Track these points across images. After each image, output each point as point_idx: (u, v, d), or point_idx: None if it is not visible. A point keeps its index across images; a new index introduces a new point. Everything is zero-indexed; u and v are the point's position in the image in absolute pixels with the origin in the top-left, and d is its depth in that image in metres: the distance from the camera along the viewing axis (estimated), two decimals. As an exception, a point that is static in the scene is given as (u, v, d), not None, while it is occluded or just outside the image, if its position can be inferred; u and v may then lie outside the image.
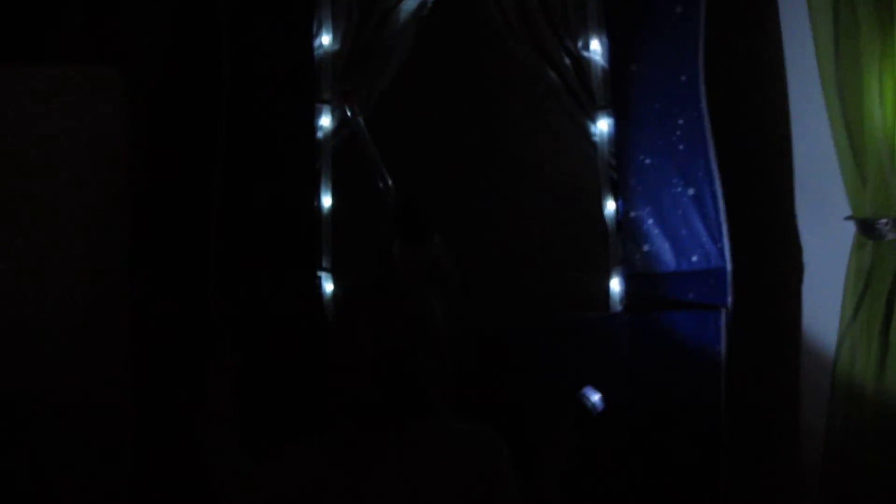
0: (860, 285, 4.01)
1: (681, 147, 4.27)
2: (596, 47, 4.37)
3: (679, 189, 4.26)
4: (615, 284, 4.30)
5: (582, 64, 4.39)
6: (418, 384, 3.22)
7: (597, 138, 4.37)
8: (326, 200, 4.34)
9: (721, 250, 4.22)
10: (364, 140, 3.84)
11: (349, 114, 3.88)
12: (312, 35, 4.35)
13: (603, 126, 4.35)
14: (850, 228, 4.03)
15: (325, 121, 4.35)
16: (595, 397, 3.55)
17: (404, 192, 3.81)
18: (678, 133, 4.27)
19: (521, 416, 4.01)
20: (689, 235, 4.24)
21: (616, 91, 4.34)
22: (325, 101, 4.35)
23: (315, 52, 4.35)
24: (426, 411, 3.23)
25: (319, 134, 4.34)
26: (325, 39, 4.36)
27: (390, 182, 3.81)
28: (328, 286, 4.31)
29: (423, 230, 3.77)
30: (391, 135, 4.28)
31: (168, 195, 4.50)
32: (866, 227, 3.98)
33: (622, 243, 4.29)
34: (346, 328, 3.24)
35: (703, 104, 4.26)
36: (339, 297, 3.41)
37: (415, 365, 3.21)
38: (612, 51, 4.34)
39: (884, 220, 3.93)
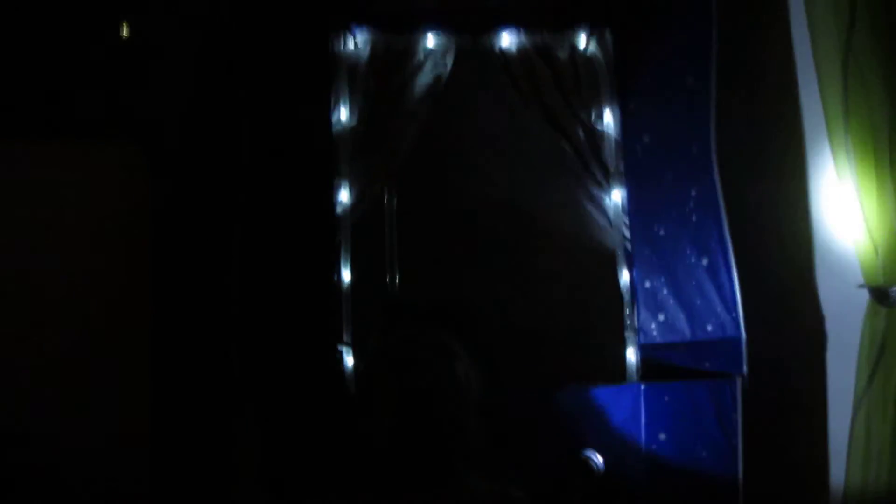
0: (874, 352, 4.04)
1: (694, 218, 4.31)
2: (608, 119, 4.44)
3: (693, 259, 4.29)
4: (631, 354, 4.33)
5: (595, 135, 4.45)
6: (446, 446, 3.27)
7: (610, 209, 4.41)
8: (346, 275, 4.37)
9: (735, 319, 4.25)
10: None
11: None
12: (330, 110, 4.38)
13: (616, 197, 4.41)
14: (864, 296, 4.07)
15: (344, 196, 4.38)
16: (598, 459, 3.61)
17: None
18: (691, 204, 4.32)
19: (535, 478, 4.05)
20: (704, 305, 4.27)
21: (628, 162, 4.39)
22: (344, 177, 4.38)
23: (333, 128, 4.38)
24: (451, 475, 3.28)
25: (338, 209, 4.37)
26: (343, 114, 4.40)
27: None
28: (349, 360, 4.34)
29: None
30: (408, 206, 4.35)
31: (189, 267, 4.55)
32: (879, 295, 4.01)
33: (638, 313, 4.32)
34: (373, 387, 3.29)
35: (715, 174, 4.30)
36: (368, 356, 3.45)
37: (442, 427, 3.26)
38: (623, 122, 4.41)
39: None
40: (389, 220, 4.35)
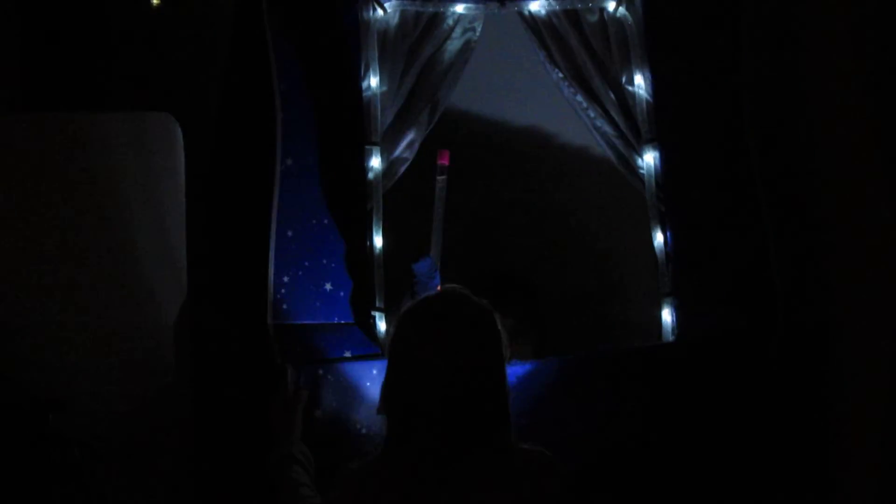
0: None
1: (726, 177, 4.30)
2: (640, 81, 4.42)
3: (727, 219, 4.28)
4: (666, 315, 4.30)
5: (626, 98, 4.44)
6: (485, 411, 3.28)
7: (643, 171, 4.40)
8: (378, 241, 4.38)
9: (770, 278, 4.22)
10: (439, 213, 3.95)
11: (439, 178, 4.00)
12: (360, 77, 4.39)
13: (649, 159, 4.39)
14: None
15: (375, 162, 4.39)
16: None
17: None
18: (723, 164, 4.31)
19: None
20: (739, 265, 4.25)
21: (661, 124, 4.37)
22: (375, 143, 4.39)
23: (364, 94, 4.40)
24: (490, 440, 3.29)
25: (370, 175, 4.38)
26: (373, 81, 4.41)
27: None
28: (381, 325, 4.34)
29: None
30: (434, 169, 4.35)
31: (224, 237, 4.58)
32: None
33: (671, 274, 4.29)
34: (412, 347, 3.30)
35: (748, 133, 4.29)
36: (405, 313, 3.46)
37: (482, 391, 3.28)
38: (655, 84, 4.38)
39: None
40: (439, 194, 4.33)
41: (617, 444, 4.13)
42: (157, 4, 4.60)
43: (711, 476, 4.12)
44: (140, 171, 4.42)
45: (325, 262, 4.29)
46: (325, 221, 4.31)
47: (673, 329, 4.27)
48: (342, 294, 4.27)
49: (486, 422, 3.32)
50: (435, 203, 4.28)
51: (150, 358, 4.40)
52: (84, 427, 4.14)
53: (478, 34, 4.47)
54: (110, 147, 4.42)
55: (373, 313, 4.33)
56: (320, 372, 4.16)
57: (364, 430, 4.13)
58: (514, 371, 4.05)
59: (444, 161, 4.32)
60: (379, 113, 4.42)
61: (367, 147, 4.38)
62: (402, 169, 4.45)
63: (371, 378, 4.15)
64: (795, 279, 4.30)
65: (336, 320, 4.27)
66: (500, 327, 3.42)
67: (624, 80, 4.45)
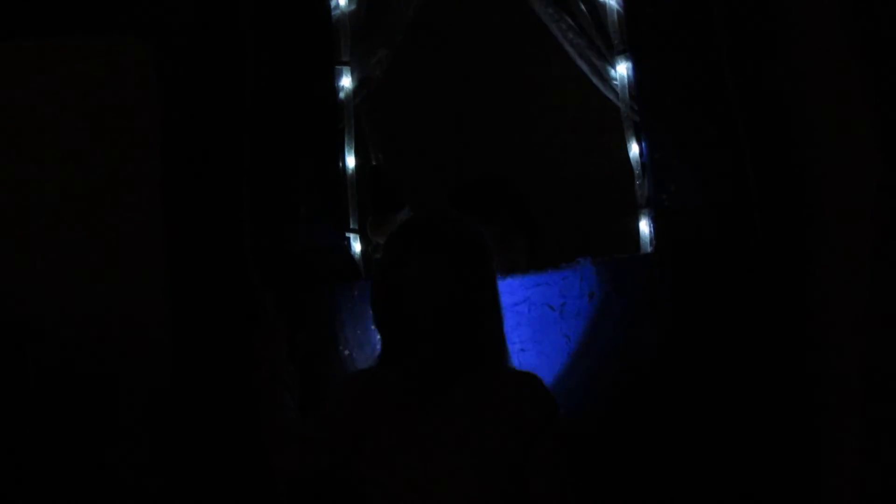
0: None
1: (700, 86, 4.25)
2: (610, -8, 4.37)
3: (702, 127, 4.23)
4: (644, 226, 4.28)
5: (598, 8, 4.38)
6: (478, 325, 3.29)
7: (617, 82, 4.35)
8: (350, 161, 4.35)
9: (747, 185, 4.19)
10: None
11: None
12: (328, -5, 4.34)
13: (622, 70, 4.34)
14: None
15: (346, 81, 4.35)
16: None
17: (373, 165, 3.89)
18: (697, 72, 4.25)
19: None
20: (715, 173, 4.21)
21: (633, 35, 4.32)
22: (345, 63, 4.35)
23: (332, 13, 4.34)
24: (485, 358, 3.31)
25: (341, 94, 4.34)
26: (342, 0, 4.36)
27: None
28: (357, 246, 4.32)
29: (390, 204, 3.88)
30: (411, 85, 4.31)
31: (198, 163, 4.54)
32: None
33: (648, 184, 4.27)
34: (401, 264, 3.30)
35: (721, 41, 4.25)
36: (395, 232, 3.46)
37: (474, 306, 3.28)
38: (626, -6, 4.33)
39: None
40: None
41: (597, 360, 4.12)
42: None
43: (691, 394, 4.11)
44: (106, 99, 4.38)
45: (300, 184, 4.26)
46: (298, 143, 4.28)
47: (651, 240, 4.25)
48: (317, 216, 4.25)
49: (480, 337, 3.33)
50: None
51: (126, 288, 4.39)
52: (61, 357, 4.14)
53: (447, -51, 4.43)
54: (71, 75, 4.36)
55: (347, 235, 4.30)
56: (301, 296, 4.14)
57: (347, 352, 4.12)
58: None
59: None
60: (349, 32, 4.37)
61: (337, 67, 4.34)
62: (373, 87, 4.41)
63: (352, 300, 4.13)
64: (773, 189, 4.27)
65: (313, 243, 4.24)
66: (488, 242, 3.41)
67: (594, -9, 4.40)
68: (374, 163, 4.30)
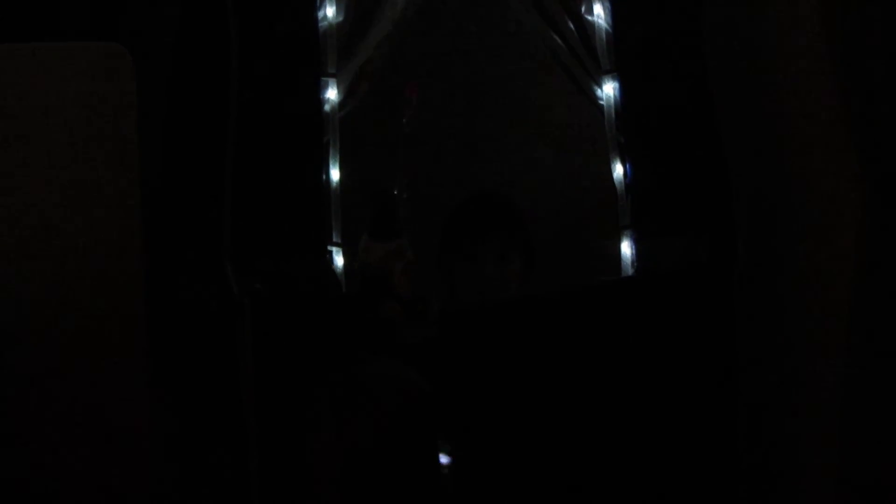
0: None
1: (687, 109, 4.25)
2: (599, 10, 4.37)
3: (686, 150, 4.24)
4: (626, 248, 4.29)
5: (586, 27, 4.39)
6: None
7: (603, 102, 4.37)
8: (335, 174, 4.33)
9: (730, 210, 4.20)
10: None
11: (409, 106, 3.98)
12: (316, 6, 4.32)
13: (609, 90, 4.35)
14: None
15: (332, 93, 4.34)
16: None
17: (382, 187, 3.89)
18: (684, 94, 4.25)
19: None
20: (699, 195, 4.22)
21: (620, 55, 4.33)
22: (331, 75, 4.33)
23: (319, 25, 4.32)
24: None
25: (326, 107, 4.32)
26: (329, 12, 4.35)
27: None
28: (339, 260, 4.31)
29: (391, 228, 3.88)
30: (396, 101, 4.30)
31: (179, 171, 4.52)
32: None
33: (631, 206, 4.28)
34: None
35: (709, 66, 4.26)
36: None
37: None
38: (614, 13, 4.33)
39: None
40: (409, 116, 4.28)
41: (578, 382, 4.12)
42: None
43: (670, 413, 4.12)
44: (88, 104, 4.35)
45: (282, 195, 4.24)
46: (282, 155, 4.25)
47: (632, 262, 4.26)
48: (300, 228, 4.23)
49: None
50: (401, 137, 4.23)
51: (101, 295, 4.37)
52: (33, 361, 4.12)
53: (435, -38, 4.42)
54: (52, 80, 4.34)
55: (330, 248, 4.29)
56: (281, 309, 4.12)
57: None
58: None
59: (412, 94, 4.24)
60: (335, 44, 4.36)
61: (323, 79, 4.33)
62: (359, 100, 4.39)
63: (333, 317, 4.12)
64: (757, 212, 4.28)
65: (294, 255, 4.23)
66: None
67: (583, 9, 4.39)
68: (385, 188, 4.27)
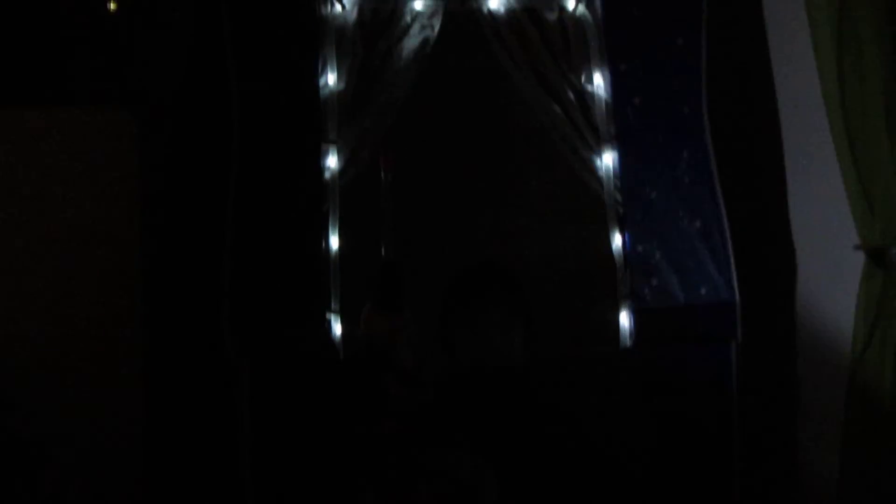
0: (871, 315, 4.00)
1: (686, 180, 4.28)
2: (599, 81, 4.39)
3: (685, 222, 4.26)
4: (624, 319, 4.28)
5: (585, 97, 4.40)
6: None
7: (602, 172, 4.37)
8: (334, 241, 4.34)
9: (729, 282, 4.21)
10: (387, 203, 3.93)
11: (383, 176, 3.97)
12: (318, 75, 4.33)
13: (608, 160, 4.36)
14: (860, 258, 4.02)
15: (332, 161, 4.34)
16: None
17: (388, 259, 3.90)
18: (683, 166, 4.28)
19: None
20: (697, 268, 4.23)
21: (620, 124, 4.34)
22: (332, 142, 4.35)
23: (321, 92, 4.34)
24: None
25: (326, 174, 4.33)
26: (331, 79, 4.36)
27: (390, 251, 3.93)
28: (337, 328, 4.30)
29: (396, 301, 3.87)
30: (397, 170, 4.30)
31: (180, 235, 4.54)
32: (876, 257, 3.97)
33: (630, 277, 4.27)
34: None
35: (707, 136, 4.28)
36: None
37: None
38: (614, 84, 4.34)
39: (895, 250, 3.93)
40: (384, 187, 4.28)
41: (575, 450, 4.11)
42: (115, 9, 4.56)
43: (671, 481, 4.12)
44: (94, 168, 4.39)
45: (282, 261, 4.25)
46: (282, 222, 4.26)
47: (630, 333, 4.25)
48: (298, 296, 4.23)
49: None
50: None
51: (101, 356, 4.38)
52: (34, 427, 4.12)
53: (436, 31, 4.42)
54: (63, 143, 4.39)
55: (328, 315, 4.29)
56: (278, 375, 4.12)
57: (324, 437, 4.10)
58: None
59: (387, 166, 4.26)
60: (336, 111, 4.37)
61: (323, 146, 4.33)
62: (360, 168, 4.40)
63: (329, 384, 4.11)
64: (756, 286, 4.29)
65: (293, 321, 4.23)
66: None
67: (583, 79, 4.40)
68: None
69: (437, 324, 4.27)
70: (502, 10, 4.40)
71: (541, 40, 4.40)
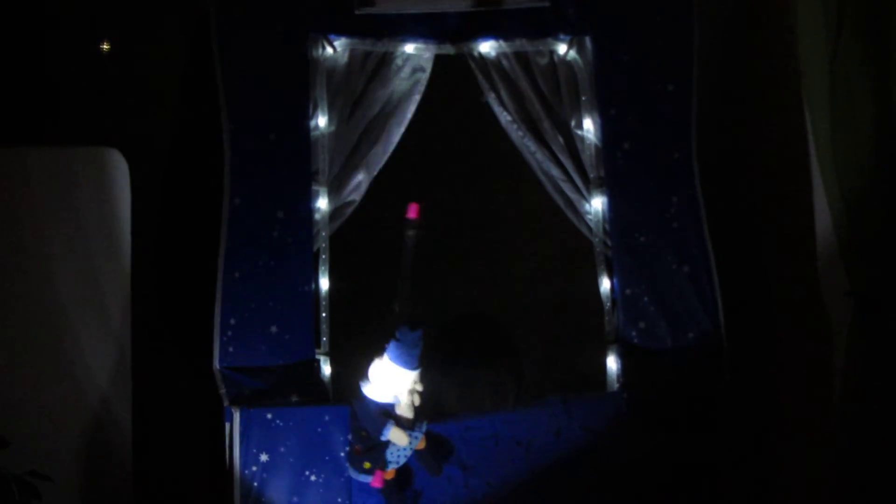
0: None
1: (675, 224, 4.29)
2: (588, 125, 4.41)
3: (674, 266, 4.27)
4: (612, 362, 4.30)
5: (575, 142, 4.42)
6: None
7: (591, 216, 4.39)
8: (324, 283, 4.35)
9: (717, 326, 4.23)
10: (407, 265, 3.99)
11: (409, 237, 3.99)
12: (309, 117, 4.35)
13: (597, 204, 4.37)
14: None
15: (322, 203, 4.35)
16: None
17: (414, 321, 3.93)
18: (672, 210, 4.30)
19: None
20: (685, 312, 4.25)
21: (609, 169, 4.36)
22: (322, 184, 4.36)
23: (311, 134, 4.36)
24: None
25: (317, 216, 4.34)
26: (322, 121, 4.38)
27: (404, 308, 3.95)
28: (326, 369, 4.31)
29: (417, 360, 3.93)
30: (387, 214, 4.32)
31: (171, 277, 4.57)
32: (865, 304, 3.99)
33: (618, 321, 4.29)
34: None
35: (697, 181, 4.30)
36: None
37: None
38: (604, 129, 4.36)
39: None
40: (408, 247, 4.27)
41: (566, 493, 4.14)
42: (107, 49, 4.60)
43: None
44: (86, 206, 4.41)
45: (271, 304, 4.25)
46: (272, 263, 4.27)
47: (618, 377, 4.26)
48: (288, 337, 4.24)
49: None
50: (403, 256, 4.23)
51: (90, 398, 4.40)
52: (23, 464, 4.13)
53: (427, 75, 4.44)
54: (55, 182, 4.41)
55: (317, 357, 4.29)
56: (268, 416, 4.13)
57: (314, 478, 4.11)
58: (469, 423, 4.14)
59: (412, 215, 4.25)
60: (327, 153, 4.39)
61: (314, 188, 4.35)
62: (350, 211, 4.42)
63: (322, 424, 4.12)
64: (742, 330, 4.33)
65: (282, 363, 4.23)
66: None
67: (573, 123, 4.43)
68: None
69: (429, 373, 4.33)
70: (493, 53, 4.43)
71: (531, 85, 4.43)
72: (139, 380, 4.46)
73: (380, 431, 3.96)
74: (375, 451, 4.01)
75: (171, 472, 4.52)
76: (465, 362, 3.72)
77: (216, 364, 4.20)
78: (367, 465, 4.02)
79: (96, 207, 4.44)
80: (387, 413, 3.98)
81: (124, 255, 4.44)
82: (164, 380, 4.57)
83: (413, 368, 3.95)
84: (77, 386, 4.41)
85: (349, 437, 4.07)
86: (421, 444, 4.02)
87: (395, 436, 3.96)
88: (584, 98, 4.43)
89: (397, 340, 3.95)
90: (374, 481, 4.03)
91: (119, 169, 4.44)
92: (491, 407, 3.78)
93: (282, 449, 4.12)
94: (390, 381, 3.96)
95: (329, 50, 4.41)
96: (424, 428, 4.01)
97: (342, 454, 4.09)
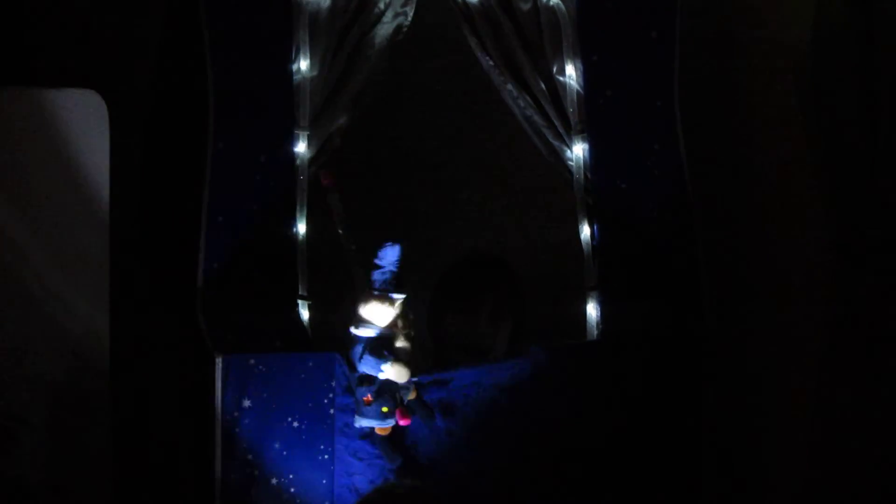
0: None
1: (656, 171, 4.30)
2: (571, 72, 4.38)
3: (655, 213, 4.28)
4: (591, 310, 4.31)
5: (557, 89, 4.40)
6: None
7: (572, 163, 4.38)
8: (302, 228, 4.34)
9: (696, 272, 4.25)
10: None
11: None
12: (291, 61, 4.32)
13: (578, 151, 4.36)
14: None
15: (302, 147, 4.33)
16: None
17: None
18: (653, 158, 4.30)
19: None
20: (665, 258, 4.26)
21: (591, 116, 4.35)
22: (304, 128, 4.34)
23: (293, 77, 4.33)
24: None
25: (298, 160, 4.32)
26: (304, 65, 4.35)
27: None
28: (305, 314, 4.31)
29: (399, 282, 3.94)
30: (367, 157, 4.32)
31: (152, 221, 4.54)
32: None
33: (599, 269, 4.30)
34: None
35: (679, 129, 4.30)
36: None
37: None
38: (587, 76, 4.34)
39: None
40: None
41: (543, 443, 4.17)
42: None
43: (634, 475, 4.18)
44: (63, 149, 4.37)
45: (254, 249, 4.24)
46: (255, 207, 4.26)
47: (597, 325, 4.28)
48: (271, 283, 4.24)
49: None
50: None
51: (66, 343, 4.38)
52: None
53: (409, 19, 4.42)
54: (32, 123, 4.36)
55: (297, 301, 4.29)
56: (251, 362, 4.13)
57: (296, 424, 4.12)
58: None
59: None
60: (308, 97, 4.36)
61: (296, 132, 4.32)
62: (331, 156, 4.40)
63: (306, 370, 4.13)
64: (723, 277, 4.35)
65: (265, 310, 4.23)
66: None
67: (555, 70, 4.40)
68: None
69: (428, 310, 4.35)
70: (476, -1, 4.42)
71: (514, 30, 4.40)
72: (117, 327, 4.43)
73: (379, 369, 3.98)
74: (387, 393, 4.03)
75: (150, 419, 4.50)
76: (464, 293, 3.72)
77: (199, 309, 4.19)
78: (384, 409, 4.04)
79: (74, 150, 4.39)
80: (381, 344, 4.00)
81: (102, 199, 4.40)
82: (143, 328, 4.54)
83: (399, 292, 3.97)
84: (52, 331, 4.37)
85: (355, 394, 4.08)
86: (412, 394, 4.06)
87: (397, 370, 3.98)
88: (566, 44, 4.39)
89: (378, 268, 3.98)
90: (401, 420, 4.06)
91: (98, 111, 4.38)
92: (487, 335, 3.78)
93: (264, 395, 4.13)
94: (380, 313, 3.99)
95: (312, -6, 4.38)
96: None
97: (325, 401, 4.09)
